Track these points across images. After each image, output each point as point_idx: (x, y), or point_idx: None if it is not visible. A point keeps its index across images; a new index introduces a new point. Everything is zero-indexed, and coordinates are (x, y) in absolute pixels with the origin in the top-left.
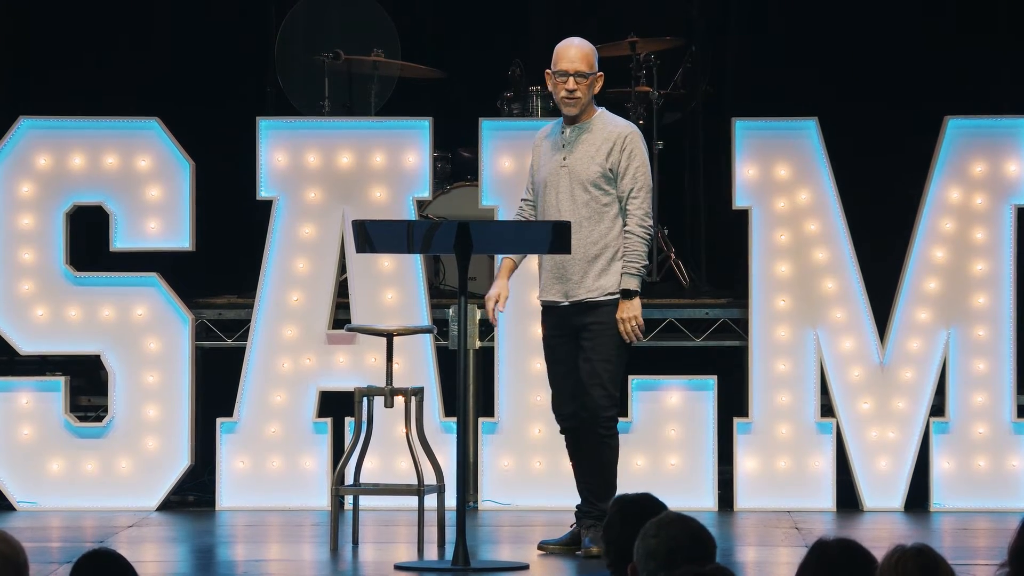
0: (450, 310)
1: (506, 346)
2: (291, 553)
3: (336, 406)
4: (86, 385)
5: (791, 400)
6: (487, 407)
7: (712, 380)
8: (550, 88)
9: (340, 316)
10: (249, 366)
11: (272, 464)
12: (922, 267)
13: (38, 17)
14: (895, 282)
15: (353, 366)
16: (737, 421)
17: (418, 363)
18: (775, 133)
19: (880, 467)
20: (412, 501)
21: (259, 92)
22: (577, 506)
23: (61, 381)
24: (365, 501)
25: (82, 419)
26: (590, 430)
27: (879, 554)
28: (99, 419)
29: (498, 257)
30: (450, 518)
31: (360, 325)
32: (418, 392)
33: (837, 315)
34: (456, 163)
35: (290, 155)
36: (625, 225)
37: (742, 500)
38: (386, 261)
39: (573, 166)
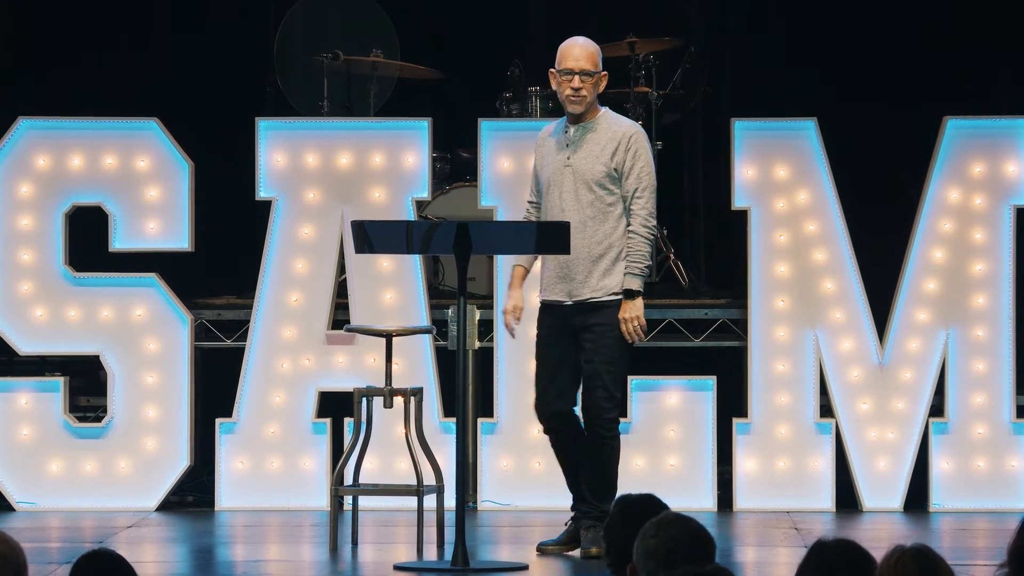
0: (449, 311)
1: (505, 346)
2: (290, 553)
3: (335, 406)
4: (85, 385)
5: (790, 400)
6: (486, 407)
7: (711, 380)
8: (554, 87)
9: (339, 316)
10: (248, 366)
11: (271, 464)
12: (921, 267)
13: (38, 17)
14: (894, 282)
15: (352, 366)
16: (736, 421)
17: (417, 363)
18: (774, 133)
19: (879, 467)
20: (411, 501)
21: (258, 92)
22: (573, 505)
23: (60, 381)
24: (364, 501)
25: (81, 419)
26: (591, 431)
27: (878, 554)
28: (98, 419)
29: (506, 261)
30: (449, 518)
31: (359, 326)
32: (417, 392)
33: (836, 315)
34: (455, 163)
35: (289, 155)
36: (629, 225)
37: (741, 500)
38: (385, 261)
39: (577, 165)
